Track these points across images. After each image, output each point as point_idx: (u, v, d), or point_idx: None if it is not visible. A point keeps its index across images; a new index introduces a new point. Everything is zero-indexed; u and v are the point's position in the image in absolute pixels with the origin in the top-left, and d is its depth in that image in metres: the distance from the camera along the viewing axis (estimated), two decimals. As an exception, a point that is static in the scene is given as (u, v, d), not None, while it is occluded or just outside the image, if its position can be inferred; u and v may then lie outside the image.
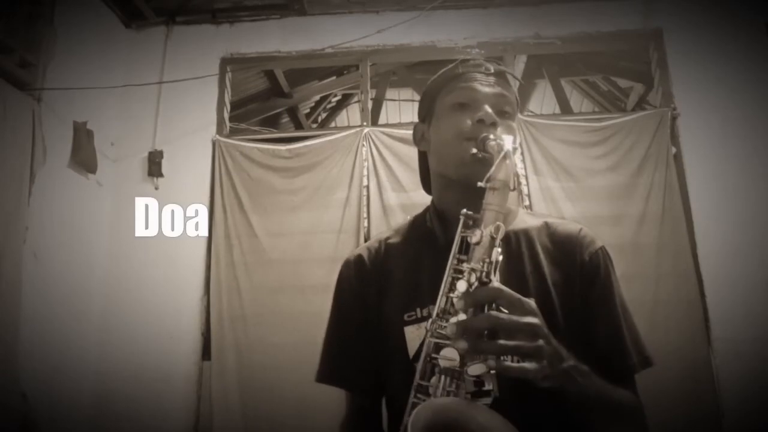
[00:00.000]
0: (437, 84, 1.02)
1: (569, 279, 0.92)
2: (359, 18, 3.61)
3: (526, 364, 0.69)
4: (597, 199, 3.17)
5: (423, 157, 1.08)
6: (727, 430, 2.78)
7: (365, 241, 3.19)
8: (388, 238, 1.05)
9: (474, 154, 0.89)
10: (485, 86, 0.95)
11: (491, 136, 0.87)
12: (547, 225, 0.98)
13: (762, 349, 2.83)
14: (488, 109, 0.92)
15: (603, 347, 0.89)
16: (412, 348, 0.91)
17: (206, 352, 3.15)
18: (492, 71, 0.97)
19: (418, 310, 0.93)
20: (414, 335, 0.92)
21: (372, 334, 0.97)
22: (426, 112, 1.04)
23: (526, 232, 0.96)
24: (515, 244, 0.95)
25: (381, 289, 0.99)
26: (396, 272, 0.99)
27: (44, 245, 2.80)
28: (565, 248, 0.95)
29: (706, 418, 2.80)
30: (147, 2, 3.53)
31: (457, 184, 0.94)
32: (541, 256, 0.94)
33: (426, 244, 0.99)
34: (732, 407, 2.80)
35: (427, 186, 1.08)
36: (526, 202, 3.20)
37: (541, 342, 0.70)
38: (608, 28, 3.47)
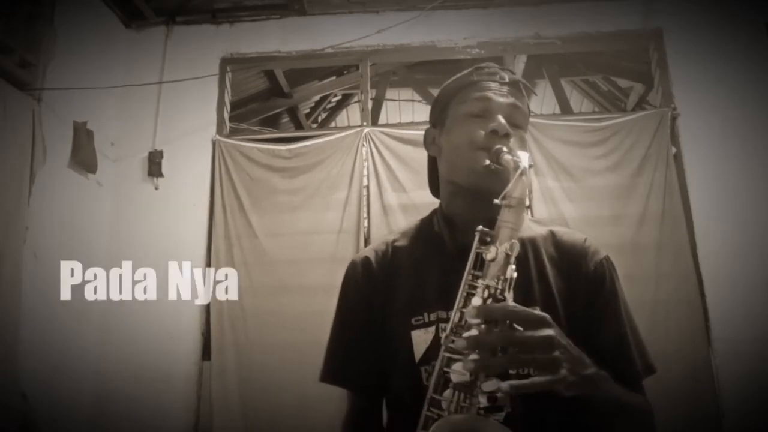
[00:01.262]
0: (451, 90, 1.01)
1: (573, 287, 0.93)
2: (359, 18, 3.60)
3: (540, 378, 0.69)
4: (597, 199, 3.17)
5: (432, 162, 1.07)
6: (727, 430, 2.79)
7: (365, 241, 3.20)
8: (395, 240, 1.04)
9: (487, 165, 0.88)
10: (499, 96, 0.95)
11: (505, 149, 0.87)
12: (552, 233, 0.99)
13: (762, 349, 2.83)
14: (501, 120, 0.92)
15: (608, 355, 0.89)
16: (418, 352, 0.91)
17: (206, 352, 3.15)
18: (507, 80, 0.97)
19: (426, 314, 0.92)
20: (421, 339, 0.92)
21: (376, 336, 0.97)
22: (438, 118, 1.03)
23: (532, 240, 0.97)
24: (521, 251, 0.94)
25: (388, 292, 0.98)
26: (403, 276, 0.99)
27: (44, 245, 2.80)
28: (571, 257, 0.95)
29: (706, 418, 2.81)
30: (147, 2, 3.52)
31: (467, 191, 0.94)
32: (546, 264, 0.94)
33: (433, 249, 0.98)
34: (732, 407, 2.81)
35: (434, 189, 1.07)
36: (526, 203, 3.19)
37: (557, 353, 0.70)
38: (608, 28, 3.47)
